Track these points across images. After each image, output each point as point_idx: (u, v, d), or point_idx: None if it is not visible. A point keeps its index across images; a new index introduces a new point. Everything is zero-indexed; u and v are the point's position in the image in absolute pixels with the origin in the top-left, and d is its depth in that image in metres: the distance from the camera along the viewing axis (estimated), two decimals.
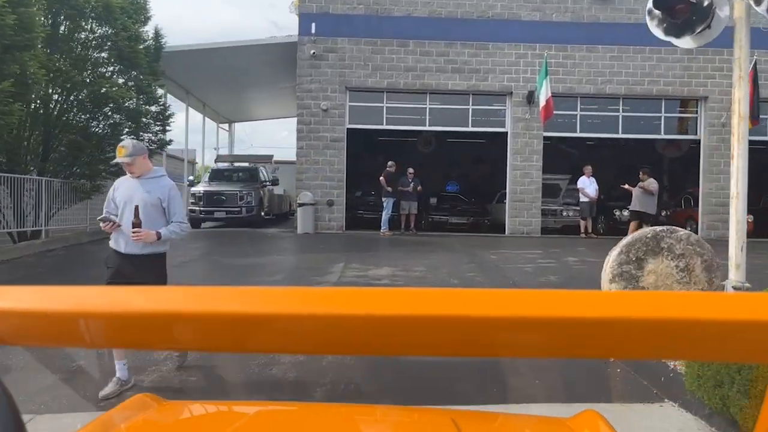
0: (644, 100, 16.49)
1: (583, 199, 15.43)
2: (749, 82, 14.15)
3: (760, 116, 14.62)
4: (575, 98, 16.39)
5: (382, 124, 16.37)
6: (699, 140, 16.58)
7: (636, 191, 14.64)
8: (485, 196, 20.85)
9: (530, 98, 15.86)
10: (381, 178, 15.18)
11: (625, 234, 15.90)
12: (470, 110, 16.42)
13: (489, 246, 13.06)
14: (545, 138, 16.24)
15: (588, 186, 15.45)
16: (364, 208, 18.05)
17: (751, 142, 17.23)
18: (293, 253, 12.00)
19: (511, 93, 16.10)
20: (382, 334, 0.54)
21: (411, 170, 15.63)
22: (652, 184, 14.46)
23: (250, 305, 0.52)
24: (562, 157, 19.47)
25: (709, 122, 16.23)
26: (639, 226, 14.79)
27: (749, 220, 16.89)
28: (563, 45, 16.03)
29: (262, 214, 18.21)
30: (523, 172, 16.11)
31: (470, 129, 16.65)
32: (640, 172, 14.68)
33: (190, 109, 23.02)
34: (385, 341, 0.55)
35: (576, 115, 16.52)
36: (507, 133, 16.39)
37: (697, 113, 16.59)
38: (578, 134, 16.82)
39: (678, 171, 21.08)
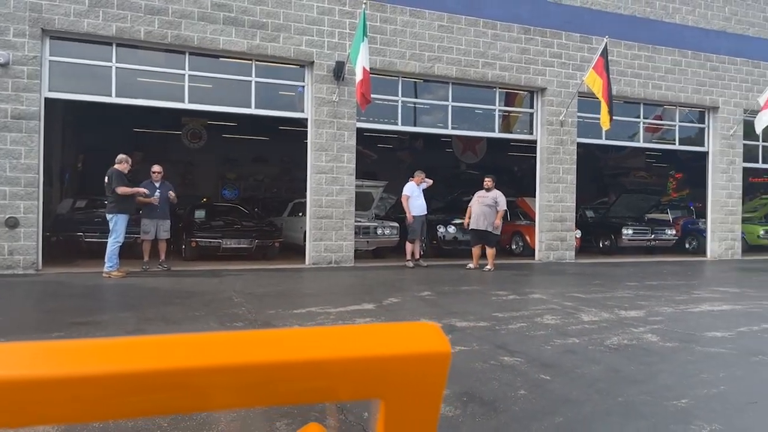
0: (478, 87, 12.99)
1: (413, 212, 11.26)
2: (601, 71, 11.21)
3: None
4: (396, 78, 12.22)
5: (110, 96, 10.29)
6: (536, 141, 13.63)
7: (480, 206, 10.95)
8: (276, 206, 15.91)
9: (339, 73, 11.26)
10: (105, 179, 9.16)
11: (465, 257, 12.38)
12: (253, 84, 11.23)
13: (286, 298, 8.06)
14: (358, 130, 11.78)
15: (418, 197, 11.35)
16: (88, 228, 11.61)
17: (583, 145, 13.12)
18: None
19: (312, 63, 11.32)
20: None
21: (157, 169, 9.93)
22: (499, 197, 10.91)
23: None
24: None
25: (547, 119, 13.33)
26: (482, 251, 11.16)
27: (577, 236, 14.62)
28: (381, 2, 11.74)
29: None
30: (331, 177, 11.41)
31: (253, 111, 11.41)
32: (486, 180, 11.04)
33: None
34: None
35: (397, 100, 12.35)
36: (307, 120, 11.58)
37: (533, 108, 13.61)
38: (400, 127, 12.67)
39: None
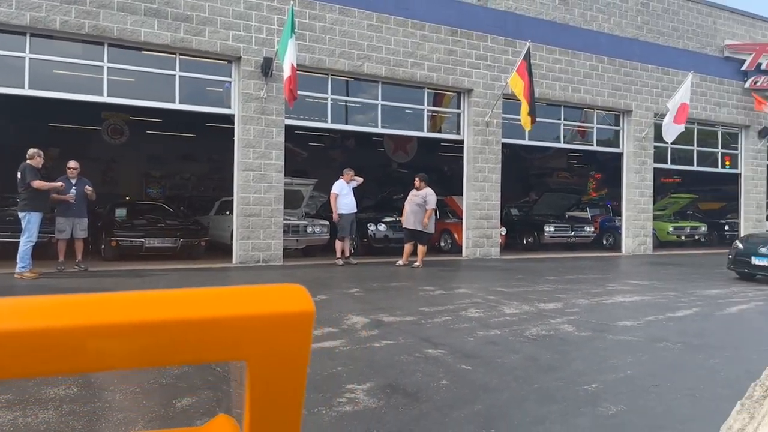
0: (407, 87, 13.17)
1: (343, 210, 11.27)
2: (524, 73, 11.63)
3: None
4: (326, 76, 12.20)
5: (23, 88, 9.73)
6: (463, 141, 13.96)
7: (411, 205, 11.12)
8: (203, 204, 15.53)
9: (267, 69, 11.14)
10: (18, 175, 8.68)
11: (396, 255, 12.51)
12: (177, 78, 10.92)
13: None
14: (287, 127, 11.68)
15: (347, 194, 11.38)
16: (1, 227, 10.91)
17: (509, 146, 13.70)
18: None
19: (239, 58, 11.13)
20: None
21: (73, 165, 9.46)
22: (429, 195, 11.10)
23: None
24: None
25: (474, 120, 13.70)
26: (414, 248, 11.33)
27: (502, 234, 15.11)
28: (310, 0, 11.70)
29: None
30: (259, 174, 11.26)
31: (177, 107, 11.09)
32: (416, 180, 11.22)
33: None
34: None
35: (327, 98, 12.34)
36: (233, 116, 11.37)
37: (460, 108, 13.94)
38: (329, 125, 12.66)
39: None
